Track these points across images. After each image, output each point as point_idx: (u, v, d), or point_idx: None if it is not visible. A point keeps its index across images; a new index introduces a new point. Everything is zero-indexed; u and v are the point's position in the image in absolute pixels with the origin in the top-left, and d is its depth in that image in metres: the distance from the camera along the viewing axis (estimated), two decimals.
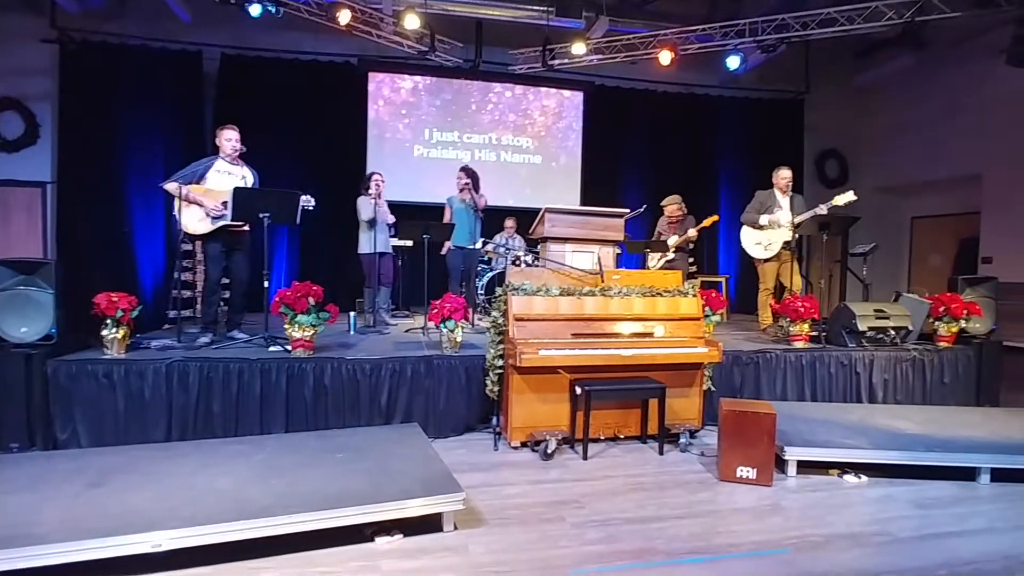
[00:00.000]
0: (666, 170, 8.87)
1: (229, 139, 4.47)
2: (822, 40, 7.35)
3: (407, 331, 5.36)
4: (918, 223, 9.85)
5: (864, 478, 3.39)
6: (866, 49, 9.09)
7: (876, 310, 4.87)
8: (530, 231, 4.79)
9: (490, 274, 7.01)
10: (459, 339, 4.18)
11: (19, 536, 2.17)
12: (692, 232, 6.43)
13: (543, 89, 8.87)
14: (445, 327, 4.11)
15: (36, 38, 7.20)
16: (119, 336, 3.74)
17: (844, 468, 3.46)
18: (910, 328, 4.91)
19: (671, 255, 6.37)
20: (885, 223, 9.37)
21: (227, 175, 4.44)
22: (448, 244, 5.90)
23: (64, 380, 3.53)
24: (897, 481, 3.36)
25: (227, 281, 4.91)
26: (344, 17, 6.84)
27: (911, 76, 8.87)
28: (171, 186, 4.25)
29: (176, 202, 4.24)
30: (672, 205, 6.61)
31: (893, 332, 4.80)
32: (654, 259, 6.52)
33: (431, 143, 8.56)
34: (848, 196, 5.23)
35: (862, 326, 4.74)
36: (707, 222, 6.64)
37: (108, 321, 3.71)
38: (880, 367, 4.66)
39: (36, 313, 3.59)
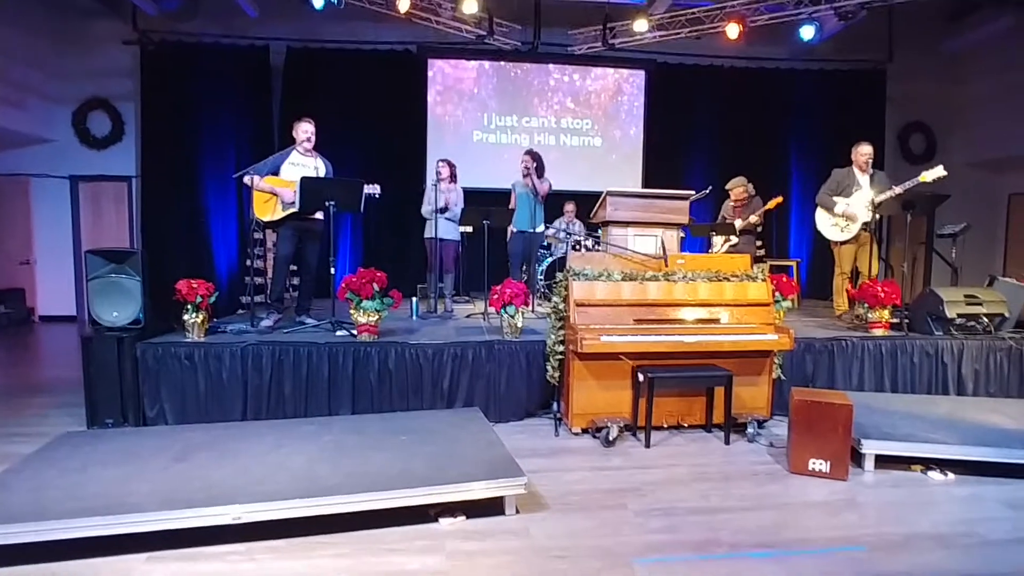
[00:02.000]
0: (733, 150, 8.50)
1: (304, 131, 4.62)
2: (908, 3, 6.80)
3: (468, 316, 5.42)
4: (1016, 200, 9.03)
5: (951, 475, 3.17)
6: (958, 11, 8.34)
7: (967, 295, 4.52)
8: (591, 215, 4.72)
9: (550, 259, 6.97)
10: (520, 325, 4.18)
11: (116, 504, 2.35)
12: (754, 217, 6.15)
13: (603, 69, 8.67)
14: (506, 312, 4.13)
15: (119, 40, 7.68)
16: (199, 320, 3.97)
17: (928, 464, 3.24)
18: (1006, 315, 4.53)
19: (735, 239, 6.13)
20: (978, 201, 8.65)
21: (300, 167, 4.59)
22: (511, 229, 5.90)
23: (151, 362, 3.78)
24: (988, 480, 3.12)
25: (296, 268, 5.10)
26: (404, 5, 6.90)
27: (1009, 39, 8.07)
28: (245, 178, 4.43)
29: (252, 193, 4.43)
30: (738, 188, 6.33)
31: (986, 319, 4.45)
32: (718, 243, 6.30)
33: (490, 128, 8.56)
34: (937, 171, 4.84)
35: (950, 313, 4.41)
36: (771, 204, 6.33)
37: (188, 306, 3.94)
38: (971, 357, 4.33)
39: (125, 299, 3.85)
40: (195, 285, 3.93)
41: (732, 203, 6.40)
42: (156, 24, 7.69)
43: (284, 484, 2.56)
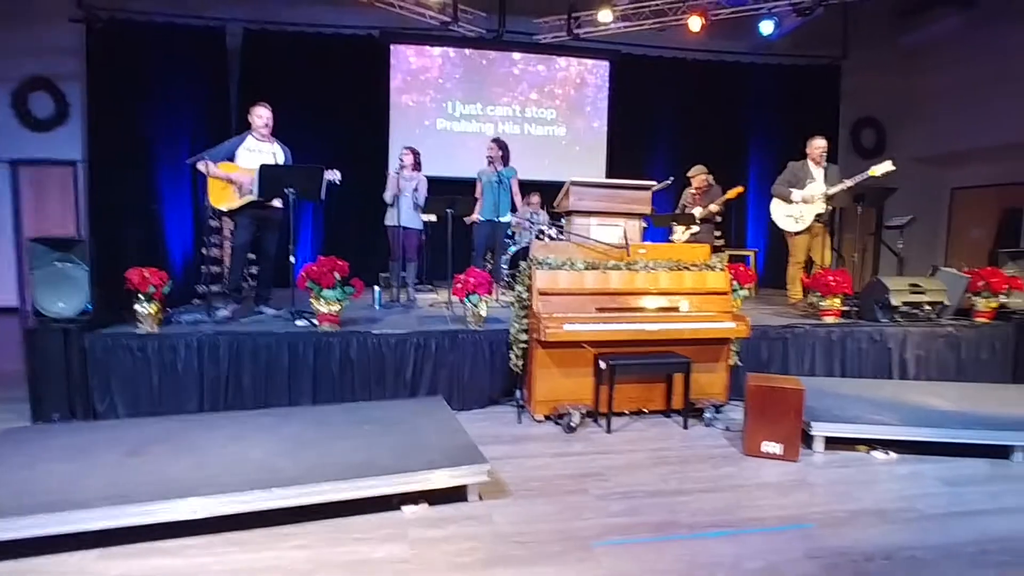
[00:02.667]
0: (694, 141, 8.64)
1: (260, 116, 4.49)
2: (861, 1, 7.00)
3: (431, 305, 5.40)
4: (958, 194, 9.47)
5: (893, 455, 3.34)
6: (910, 9, 8.63)
7: (911, 284, 4.73)
8: (554, 204, 4.74)
9: (514, 248, 6.98)
10: (483, 313, 4.19)
11: (63, 501, 2.27)
12: (714, 206, 6.28)
13: (568, 59, 8.68)
14: (469, 301, 4.13)
15: (64, 17, 7.28)
16: (152, 311, 3.84)
17: (873, 445, 3.40)
18: (946, 303, 4.76)
19: (696, 228, 6.25)
20: (923, 195, 9.02)
21: (257, 152, 4.47)
22: (476, 216, 5.88)
23: (101, 353, 3.65)
24: (928, 458, 3.30)
25: (254, 257, 4.98)
26: None
27: (958, 38, 8.41)
28: (199, 164, 4.30)
29: (206, 179, 4.30)
30: (700, 175, 6.45)
31: (928, 307, 4.67)
32: (679, 232, 6.41)
33: (454, 116, 8.48)
34: (886, 166, 5.04)
35: (896, 301, 4.62)
36: (731, 194, 6.47)
37: (141, 296, 3.81)
38: (913, 343, 4.55)
39: (72, 289, 3.70)
40: (147, 274, 3.80)
41: (692, 191, 6.52)
42: (104, 1, 7.32)
43: (243, 476, 2.52)
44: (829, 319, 4.67)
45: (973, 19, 7.82)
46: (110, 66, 7.40)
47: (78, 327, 3.65)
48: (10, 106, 7.46)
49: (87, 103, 7.54)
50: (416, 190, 5.63)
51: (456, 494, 2.70)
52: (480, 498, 2.73)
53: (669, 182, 6.45)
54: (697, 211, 6.35)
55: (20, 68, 7.43)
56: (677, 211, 6.59)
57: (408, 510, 2.60)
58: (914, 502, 2.81)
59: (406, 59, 8.32)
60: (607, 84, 8.81)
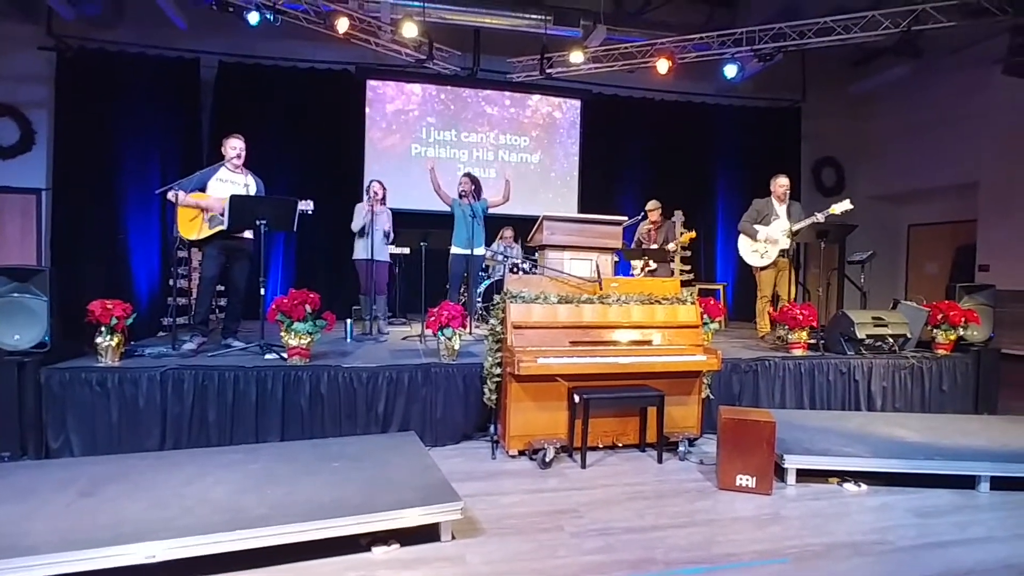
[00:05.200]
0: (664, 177, 8.89)
1: (233, 147, 4.47)
2: (819, 49, 7.39)
3: (404, 339, 5.34)
4: (915, 231, 9.89)
5: (864, 486, 3.37)
6: (862, 58, 9.15)
7: (874, 318, 4.87)
8: (528, 238, 4.78)
9: (488, 282, 6.99)
10: (457, 347, 4.15)
11: (8, 547, 2.13)
12: (672, 246, 6.50)
13: (541, 97, 8.90)
14: (443, 335, 4.09)
15: (33, 45, 7.21)
16: (113, 344, 3.71)
17: (844, 476, 3.43)
18: (908, 336, 4.91)
19: (653, 265, 6.38)
20: (882, 231, 9.41)
21: (229, 183, 4.43)
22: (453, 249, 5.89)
23: (57, 388, 3.50)
24: (896, 489, 3.34)
25: (223, 288, 4.88)
26: (342, 25, 6.86)
27: (907, 85, 8.93)
28: (170, 194, 4.23)
29: (176, 209, 4.23)
30: (655, 210, 6.66)
31: (891, 340, 4.80)
32: (638, 267, 6.53)
33: (429, 144, 8.56)
34: (844, 204, 5.25)
35: (860, 334, 4.74)
36: (684, 239, 6.69)
37: (103, 328, 3.68)
38: (879, 375, 4.66)
39: (29, 320, 3.56)
40: (110, 306, 3.69)
41: (649, 225, 6.68)
42: (74, 30, 7.27)
43: (205, 517, 2.41)
44: (797, 352, 4.76)
45: (919, 68, 8.31)
46: (80, 95, 7.32)
47: (34, 360, 3.50)
48: None
49: (54, 131, 7.40)
50: (387, 223, 5.66)
51: (429, 533, 2.62)
52: (453, 537, 2.65)
53: (640, 218, 6.63)
54: (671, 246, 6.52)
55: None
56: (633, 245, 6.72)
57: (379, 551, 2.52)
58: (886, 534, 2.82)
59: (381, 94, 8.41)
60: (578, 121, 9.03)
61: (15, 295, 3.57)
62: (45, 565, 2.10)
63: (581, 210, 8.69)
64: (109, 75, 7.37)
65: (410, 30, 6.97)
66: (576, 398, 3.62)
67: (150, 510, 2.47)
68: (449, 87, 8.56)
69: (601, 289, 4.01)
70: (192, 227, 4.32)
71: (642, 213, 6.74)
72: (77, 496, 2.59)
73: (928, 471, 3.35)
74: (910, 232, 9.95)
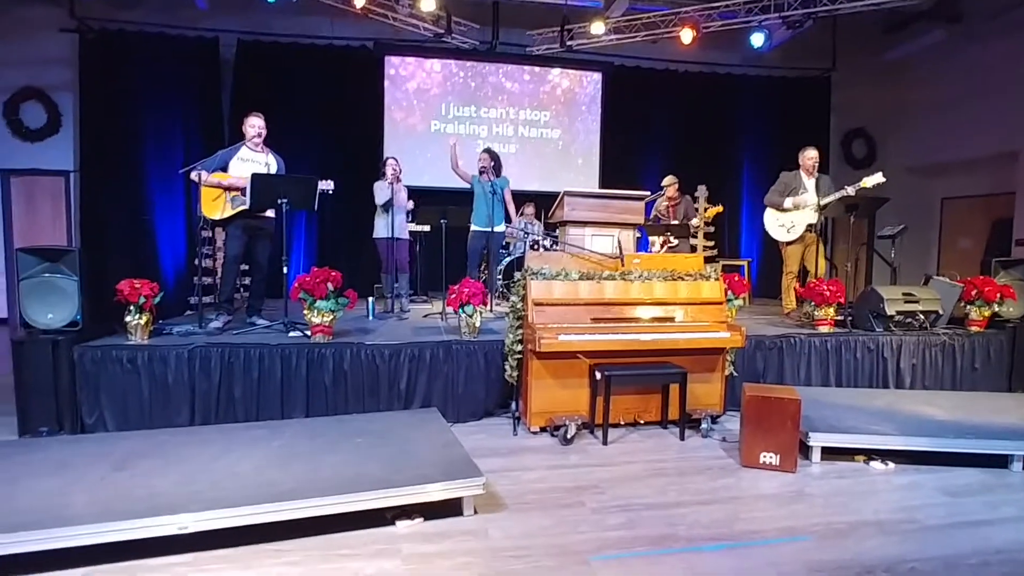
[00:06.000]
0: (687, 151, 8.71)
1: (253, 125, 4.47)
2: (851, 15, 7.10)
3: (425, 316, 5.37)
4: (949, 204, 9.55)
5: (891, 465, 3.32)
6: (897, 23, 8.76)
7: (905, 294, 4.75)
8: (549, 215, 4.74)
9: (508, 259, 6.97)
10: (478, 324, 4.16)
11: (48, 518, 2.21)
12: (696, 220, 6.39)
13: (561, 70, 8.74)
14: (464, 312, 4.10)
15: (56, 28, 7.27)
16: (142, 322, 3.79)
17: (870, 455, 3.38)
18: (940, 312, 4.78)
19: (674, 241, 6.28)
20: (914, 204, 9.11)
21: (250, 163, 4.45)
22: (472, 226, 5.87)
23: (90, 365, 3.59)
24: (925, 468, 3.28)
25: (247, 267, 4.94)
26: (360, 0, 6.78)
27: (944, 51, 8.55)
28: (193, 174, 4.27)
29: (199, 189, 4.27)
30: (672, 186, 6.53)
31: (922, 316, 4.68)
32: (656, 243, 6.43)
33: (448, 120, 8.49)
34: (877, 177, 5.08)
35: (890, 310, 4.62)
36: (709, 213, 6.54)
37: (131, 307, 3.76)
38: (908, 352, 4.55)
39: (61, 300, 3.65)
40: (138, 285, 3.76)
41: (666, 201, 6.56)
42: (96, 11, 7.31)
43: (233, 491, 2.47)
44: (824, 328, 4.67)
45: (957, 34, 7.94)
46: (102, 76, 7.38)
47: (67, 339, 3.59)
48: (1, 116, 7.42)
49: (79, 113, 7.51)
50: (406, 200, 5.66)
51: (451, 508, 2.66)
52: (475, 512, 2.68)
53: (662, 192, 6.51)
54: (695, 221, 6.42)
55: (12, 78, 7.41)
56: (650, 221, 6.61)
57: (402, 525, 2.56)
58: (913, 513, 2.78)
59: (400, 69, 8.34)
60: (600, 94, 8.86)
61: (47, 275, 3.65)
62: (85, 535, 2.18)
63: (603, 186, 8.58)
64: (131, 56, 7.42)
65: (428, 3, 6.87)
66: (598, 375, 3.61)
67: (181, 484, 2.53)
68: (468, 62, 8.44)
69: (623, 265, 3.96)
70: (215, 207, 4.36)
71: (663, 190, 6.62)
72: (111, 470, 2.67)
73: (958, 450, 3.28)
74: (943, 205, 9.61)
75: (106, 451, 2.89)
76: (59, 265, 3.68)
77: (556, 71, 8.73)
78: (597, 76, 8.83)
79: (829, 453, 3.37)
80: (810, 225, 5.36)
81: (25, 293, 3.60)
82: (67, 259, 3.70)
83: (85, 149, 7.52)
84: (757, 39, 7.56)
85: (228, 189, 4.33)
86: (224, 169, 4.38)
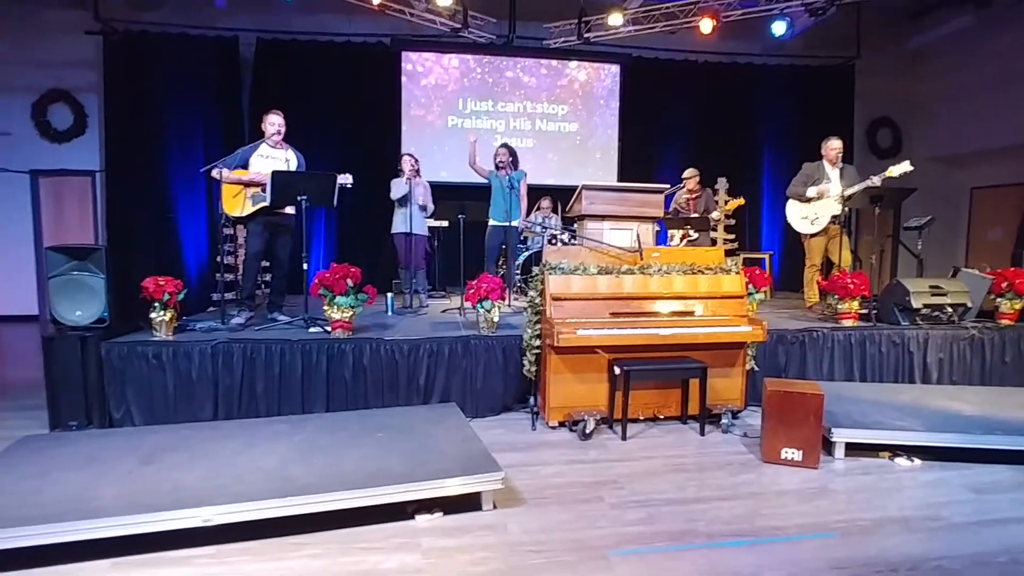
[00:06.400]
0: (707, 143, 8.59)
1: (272, 123, 4.52)
2: (875, 1, 6.92)
3: (444, 311, 5.39)
4: (978, 194, 9.30)
5: (917, 461, 3.26)
6: (922, 9, 8.54)
7: (932, 286, 4.63)
8: (566, 209, 4.72)
9: (526, 253, 6.96)
10: (496, 319, 4.16)
11: (78, 510, 2.27)
12: (716, 214, 6.30)
13: (578, 63, 8.66)
14: (482, 307, 4.10)
15: (80, 30, 7.41)
16: (167, 319, 3.86)
17: (896, 451, 3.32)
18: (969, 305, 4.66)
19: (694, 234, 6.20)
20: (941, 195, 8.88)
21: (270, 159, 4.50)
22: (490, 221, 5.87)
23: (117, 361, 3.68)
24: (952, 465, 3.21)
25: (267, 264, 5.00)
26: None
27: (971, 37, 8.30)
28: (214, 172, 4.33)
29: (221, 187, 4.33)
30: (693, 178, 6.42)
31: (950, 309, 4.57)
32: (676, 237, 6.36)
33: (465, 116, 8.48)
34: (903, 166, 4.95)
35: (916, 303, 4.52)
36: (731, 206, 6.44)
37: (156, 304, 3.83)
38: (935, 346, 4.45)
39: (89, 297, 3.73)
40: (162, 282, 3.83)
41: (687, 194, 6.47)
42: (119, 13, 7.44)
43: (256, 484, 2.51)
44: (847, 322, 4.58)
45: (986, 18, 7.70)
46: (126, 77, 7.52)
47: (95, 335, 3.68)
48: (30, 118, 7.60)
49: (104, 114, 7.65)
50: (423, 195, 5.68)
51: (470, 502, 2.67)
52: (494, 506, 2.69)
53: (682, 186, 6.44)
54: (716, 214, 6.34)
55: (39, 81, 7.58)
56: (670, 214, 6.53)
57: (422, 519, 2.58)
58: (940, 510, 2.73)
59: (417, 65, 8.35)
60: (618, 87, 8.78)
61: (75, 273, 3.73)
62: (113, 527, 2.23)
63: (621, 179, 8.50)
64: (153, 56, 7.54)
65: None
66: (616, 370, 3.59)
67: (205, 477, 2.58)
68: (485, 56, 8.42)
69: (641, 259, 3.93)
70: (236, 204, 4.42)
71: (681, 182, 6.54)
72: (138, 464, 2.73)
73: (987, 446, 3.20)
74: (972, 195, 9.36)
75: (133, 445, 2.96)
76: (86, 263, 3.76)
77: (573, 64, 8.66)
78: (615, 68, 8.75)
79: (853, 449, 3.32)
80: (834, 217, 5.26)
81: (54, 291, 3.69)
82: (94, 257, 3.78)
83: (110, 149, 7.68)
84: (779, 27, 7.41)
85: (249, 185, 4.38)
86: (245, 166, 4.43)
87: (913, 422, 3.37)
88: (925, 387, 4.29)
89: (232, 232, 6.26)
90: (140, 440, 3.05)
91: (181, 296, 3.94)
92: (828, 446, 3.32)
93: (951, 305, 4.58)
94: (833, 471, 3.17)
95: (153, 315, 3.85)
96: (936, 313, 4.57)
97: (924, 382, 4.43)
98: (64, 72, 7.60)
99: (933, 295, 4.59)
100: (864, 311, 4.68)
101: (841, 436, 3.29)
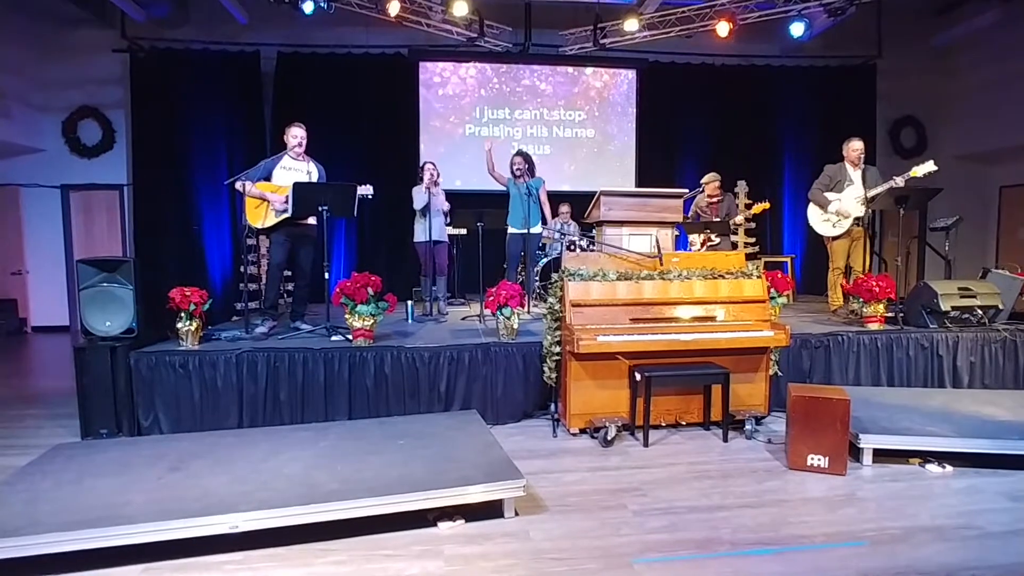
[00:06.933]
0: (726, 147, 8.53)
1: (294, 136, 4.60)
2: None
3: (463, 319, 5.41)
4: (1007, 192, 9.08)
5: (949, 468, 3.18)
6: (945, 5, 8.39)
7: (961, 288, 4.53)
8: (585, 215, 4.72)
9: (545, 260, 6.97)
10: (516, 326, 4.17)
11: (110, 515, 2.33)
12: (740, 218, 6.24)
13: (595, 69, 8.68)
14: (501, 314, 4.11)
15: (108, 48, 7.64)
16: (192, 328, 3.94)
17: (926, 457, 3.24)
18: (1000, 307, 4.54)
19: (716, 239, 6.14)
20: (969, 194, 8.69)
21: (292, 171, 4.57)
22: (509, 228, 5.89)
23: (145, 371, 3.76)
24: (986, 471, 3.13)
25: (290, 273, 5.07)
26: (394, 8, 6.89)
27: (996, 33, 8.13)
28: (237, 184, 4.41)
29: (244, 199, 4.42)
30: (714, 183, 6.36)
31: (980, 311, 4.46)
32: (697, 242, 6.30)
33: (483, 124, 8.53)
34: (928, 166, 4.87)
35: (945, 305, 4.42)
36: (755, 209, 6.37)
37: (182, 314, 3.91)
38: (966, 349, 4.35)
39: (118, 308, 3.82)
40: (188, 293, 3.91)
41: (707, 199, 6.41)
42: (145, 31, 7.65)
43: (281, 491, 2.54)
44: (873, 326, 4.50)
45: (1010, 13, 7.54)
46: (152, 93, 7.72)
47: (124, 345, 3.76)
48: (61, 134, 7.85)
49: (131, 130, 7.87)
50: (443, 203, 5.72)
51: (492, 510, 2.67)
52: (516, 514, 2.69)
53: (701, 190, 6.39)
54: (738, 218, 6.29)
55: (69, 98, 7.83)
56: (690, 219, 6.47)
57: (444, 526, 2.58)
58: (974, 518, 2.66)
59: (434, 76, 8.43)
60: (634, 92, 8.77)
61: (105, 285, 3.83)
62: (144, 532, 2.28)
63: (639, 184, 8.48)
64: (178, 73, 7.74)
65: (460, 8, 6.93)
66: (637, 376, 3.57)
67: (232, 484, 2.62)
68: (501, 65, 8.48)
69: (661, 264, 3.91)
70: (258, 215, 4.50)
71: (700, 187, 6.49)
72: (167, 471, 2.79)
73: (1022, 452, 3.11)
74: (1002, 194, 9.14)
75: (162, 452, 3.02)
76: (115, 275, 3.85)
77: (589, 70, 8.67)
78: (631, 73, 8.74)
79: (881, 456, 3.25)
80: (857, 219, 5.18)
81: (85, 302, 3.79)
82: (123, 269, 3.87)
83: (137, 163, 7.89)
84: (797, 29, 7.34)
85: (265, 200, 4.45)
86: (268, 178, 4.51)
87: (944, 427, 3.29)
88: (955, 391, 4.19)
89: (255, 243, 6.37)
90: (168, 447, 3.11)
91: (206, 306, 4.01)
92: (855, 452, 3.25)
93: (981, 307, 4.47)
94: (861, 478, 3.11)
95: (180, 325, 3.93)
96: (966, 315, 4.46)
97: (955, 386, 4.33)
98: (93, 89, 7.84)
99: (962, 297, 4.49)
100: (890, 314, 4.60)
101: (869, 442, 3.23)
